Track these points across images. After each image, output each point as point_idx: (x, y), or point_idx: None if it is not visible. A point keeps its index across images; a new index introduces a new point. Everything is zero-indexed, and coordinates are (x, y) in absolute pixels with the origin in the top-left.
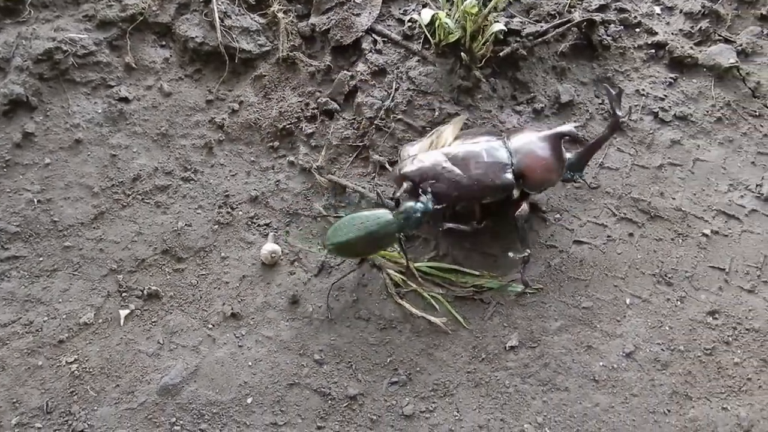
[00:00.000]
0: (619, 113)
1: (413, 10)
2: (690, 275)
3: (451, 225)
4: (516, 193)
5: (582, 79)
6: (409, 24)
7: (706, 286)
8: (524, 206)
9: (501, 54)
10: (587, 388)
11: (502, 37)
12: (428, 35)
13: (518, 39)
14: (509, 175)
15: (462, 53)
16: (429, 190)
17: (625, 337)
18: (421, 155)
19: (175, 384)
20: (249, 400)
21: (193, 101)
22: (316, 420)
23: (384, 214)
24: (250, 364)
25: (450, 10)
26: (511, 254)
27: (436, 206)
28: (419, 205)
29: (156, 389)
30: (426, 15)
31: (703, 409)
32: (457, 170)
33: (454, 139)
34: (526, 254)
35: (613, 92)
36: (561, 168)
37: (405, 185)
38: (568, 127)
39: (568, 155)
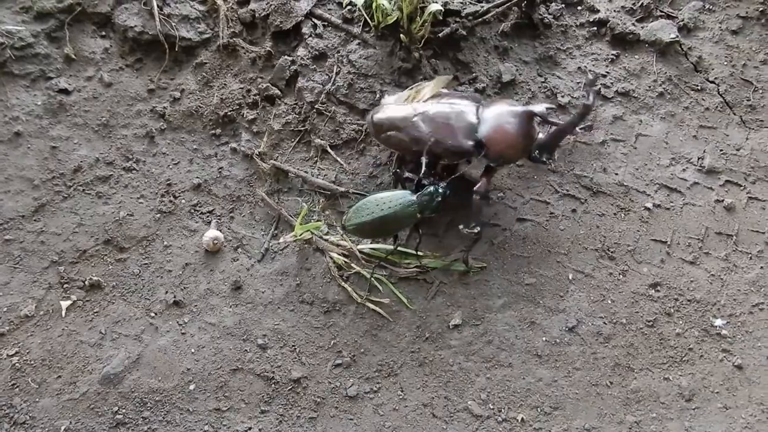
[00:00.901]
0: (590, 101)
1: None
2: (632, 249)
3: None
4: (475, 161)
5: (524, 59)
6: (349, 7)
7: (648, 259)
8: (483, 182)
9: (440, 35)
10: (530, 363)
11: (441, 18)
12: (367, 18)
13: (458, 19)
14: (470, 142)
15: (401, 35)
16: (446, 182)
17: (568, 312)
18: (394, 105)
19: (116, 373)
20: (192, 387)
21: (134, 91)
22: (260, 404)
23: (405, 195)
24: (193, 351)
25: None
26: (461, 227)
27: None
28: (441, 189)
29: (98, 379)
30: None
31: (645, 380)
32: (423, 126)
33: (432, 96)
34: (477, 231)
35: (591, 78)
36: (525, 146)
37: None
38: (539, 108)
39: (540, 136)
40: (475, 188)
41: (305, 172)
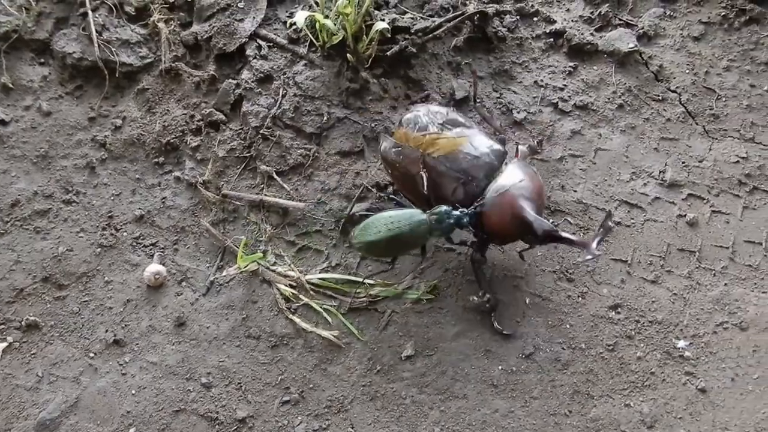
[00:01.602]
0: (594, 244)
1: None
2: (591, 269)
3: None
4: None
5: (479, 74)
6: (294, 27)
7: (608, 279)
8: (476, 250)
9: (389, 53)
10: (486, 393)
11: (390, 35)
12: (312, 38)
13: (407, 36)
14: (465, 219)
15: (348, 54)
16: (472, 209)
17: (525, 339)
18: (407, 150)
19: (53, 418)
20: (132, 431)
21: (75, 120)
22: None
23: (416, 214)
24: (133, 392)
25: (329, 10)
26: (472, 297)
27: (469, 222)
28: (455, 212)
29: (33, 425)
30: (301, 17)
31: (605, 407)
32: (425, 182)
33: (452, 150)
34: (487, 297)
35: (609, 225)
36: (520, 233)
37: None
38: (540, 230)
39: (540, 227)
40: (471, 257)
41: (256, 194)
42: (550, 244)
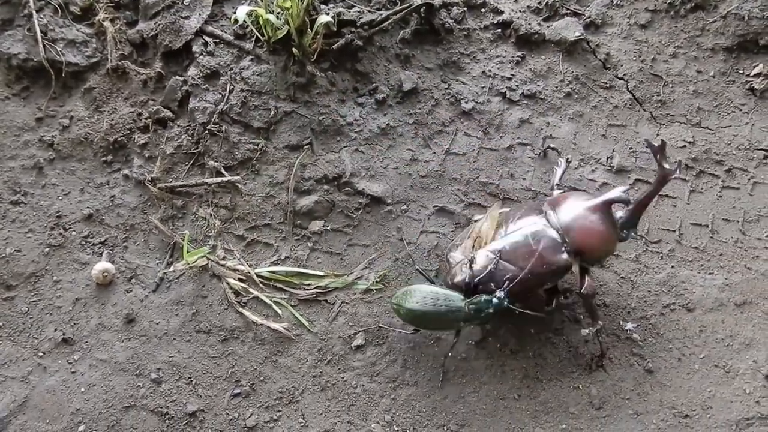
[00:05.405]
0: (666, 167)
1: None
2: None
3: (526, 310)
4: (576, 269)
5: (427, 65)
6: (239, 23)
7: None
8: (588, 281)
9: (335, 46)
10: (436, 380)
11: (335, 29)
12: (257, 33)
13: (353, 29)
14: (564, 256)
15: (294, 49)
16: (506, 287)
17: (474, 326)
18: (466, 262)
19: (1, 418)
20: (82, 428)
21: (22, 120)
22: None
23: (456, 299)
24: (83, 390)
25: (270, 5)
26: (583, 332)
27: (510, 304)
28: (494, 301)
29: None
30: (242, 12)
31: (554, 390)
32: (510, 266)
33: (496, 230)
34: (600, 325)
35: (656, 145)
36: (616, 234)
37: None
38: (617, 194)
39: (619, 214)
40: (582, 292)
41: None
42: None
